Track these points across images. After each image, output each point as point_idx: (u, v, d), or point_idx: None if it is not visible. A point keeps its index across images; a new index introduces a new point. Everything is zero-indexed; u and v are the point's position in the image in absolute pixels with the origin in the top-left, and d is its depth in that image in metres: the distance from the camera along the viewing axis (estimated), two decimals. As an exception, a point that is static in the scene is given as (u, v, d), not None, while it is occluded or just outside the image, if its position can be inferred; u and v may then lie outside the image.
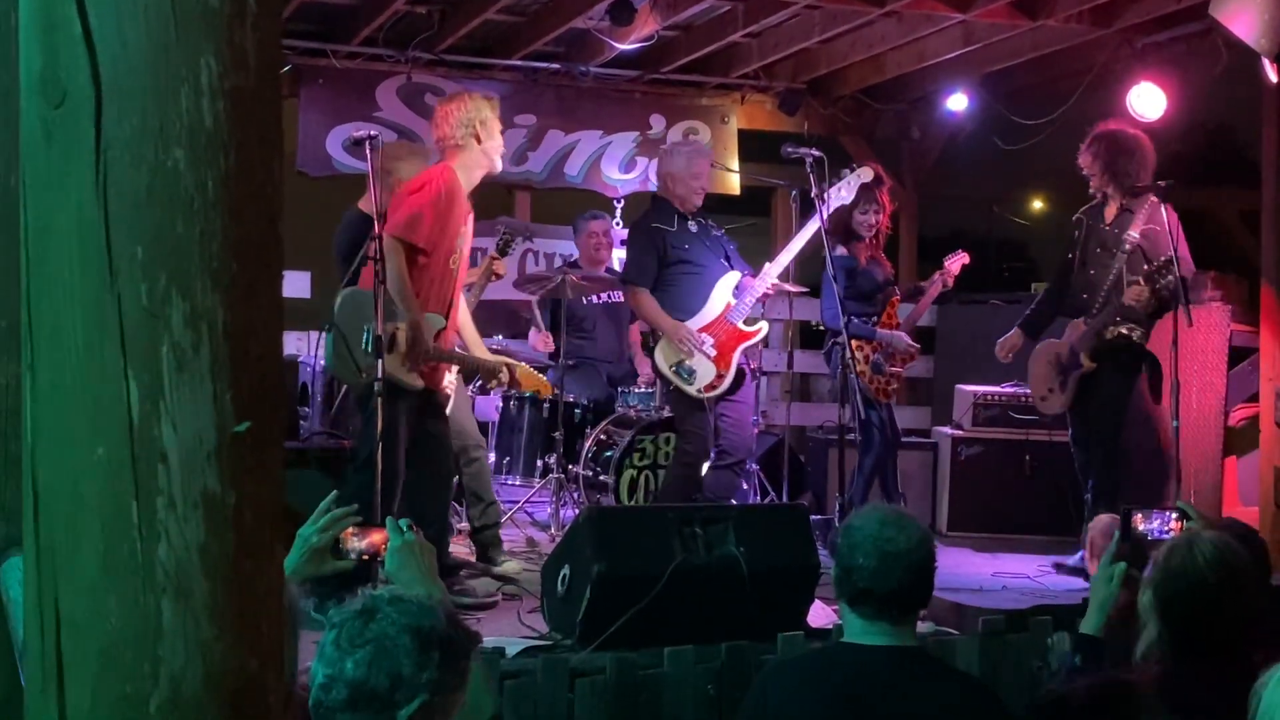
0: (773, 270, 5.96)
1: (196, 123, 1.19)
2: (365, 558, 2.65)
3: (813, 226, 5.83)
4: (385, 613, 1.97)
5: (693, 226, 5.91)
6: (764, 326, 5.94)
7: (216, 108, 1.19)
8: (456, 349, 5.23)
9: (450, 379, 5.27)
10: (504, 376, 5.23)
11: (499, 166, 5.19)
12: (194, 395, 1.18)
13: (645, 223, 6.02)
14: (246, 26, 1.18)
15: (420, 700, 1.93)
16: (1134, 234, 5.79)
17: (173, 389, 1.18)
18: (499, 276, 6.34)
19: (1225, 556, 2.69)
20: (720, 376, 5.80)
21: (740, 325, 5.86)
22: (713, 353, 5.79)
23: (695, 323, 5.81)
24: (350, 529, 2.66)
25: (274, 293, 1.25)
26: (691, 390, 5.81)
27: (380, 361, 4.51)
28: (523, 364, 5.41)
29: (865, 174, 6.09)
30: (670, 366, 5.82)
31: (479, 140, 4.99)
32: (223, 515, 1.18)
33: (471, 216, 5.15)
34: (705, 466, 5.93)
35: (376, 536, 2.66)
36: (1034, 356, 6.02)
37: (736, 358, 5.83)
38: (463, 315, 5.32)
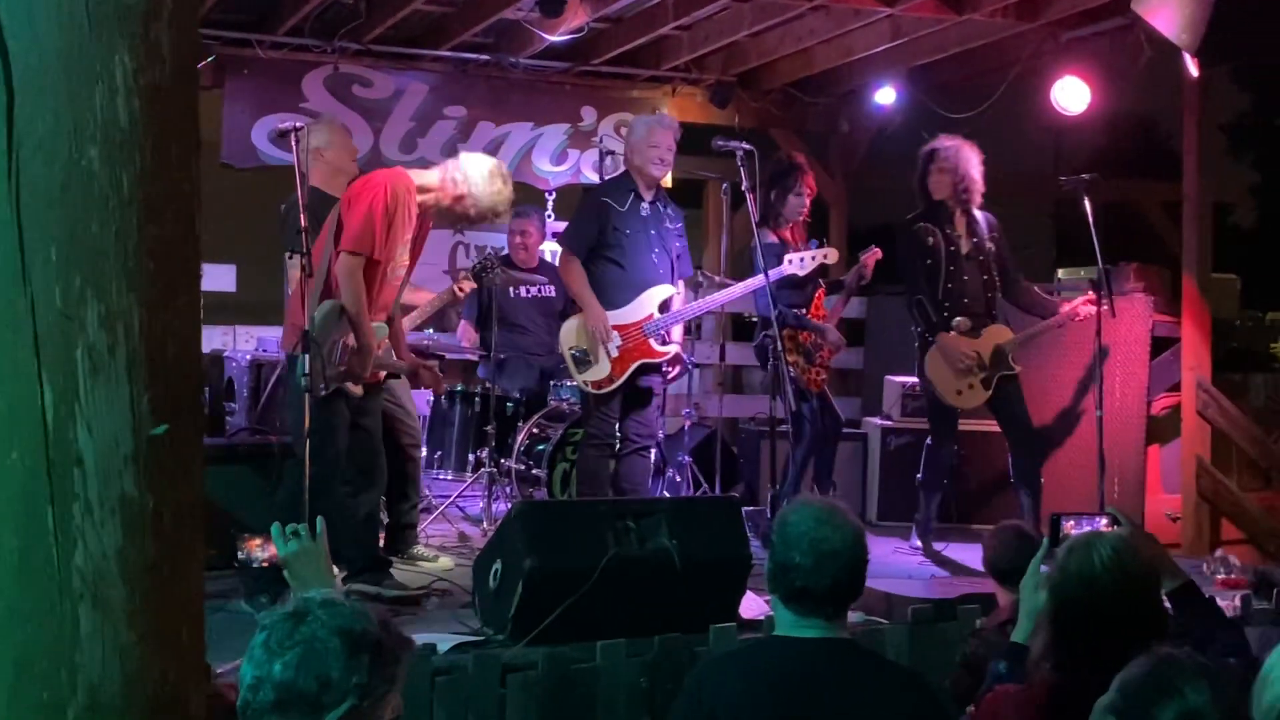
0: (702, 306, 5.93)
1: (111, 121, 1.16)
2: (267, 564, 2.64)
3: (755, 282, 5.80)
4: (316, 615, 1.96)
5: (645, 210, 5.72)
6: (673, 351, 5.79)
7: (132, 105, 1.17)
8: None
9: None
10: (426, 378, 5.26)
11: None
12: (110, 398, 1.16)
13: (597, 194, 5.90)
14: (163, 23, 1.15)
15: (349, 704, 1.92)
16: (989, 241, 6.12)
17: (88, 392, 1.15)
18: (462, 294, 6.35)
19: (1123, 558, 2.70)
20: (610, 379, 5.66)
21: (652, 342, 5.71)
22: (615, 354, 5.65)
23: (613, 318, 5.66)
24: (259, 538, 2.65)
25: (193, 293, 1.22)
26: (578, 378, 5.73)
27: (307, 357, 4.46)
28: (431, 363, 5.36)
29: (831, 255, 6.08)
30: (571, 347, 5.70)
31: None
32: (141, 520, 1.15)
33: (419, 225, 5.05)
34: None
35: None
36: (932, 361, 6.08)
37: (633, 369, 5.67)
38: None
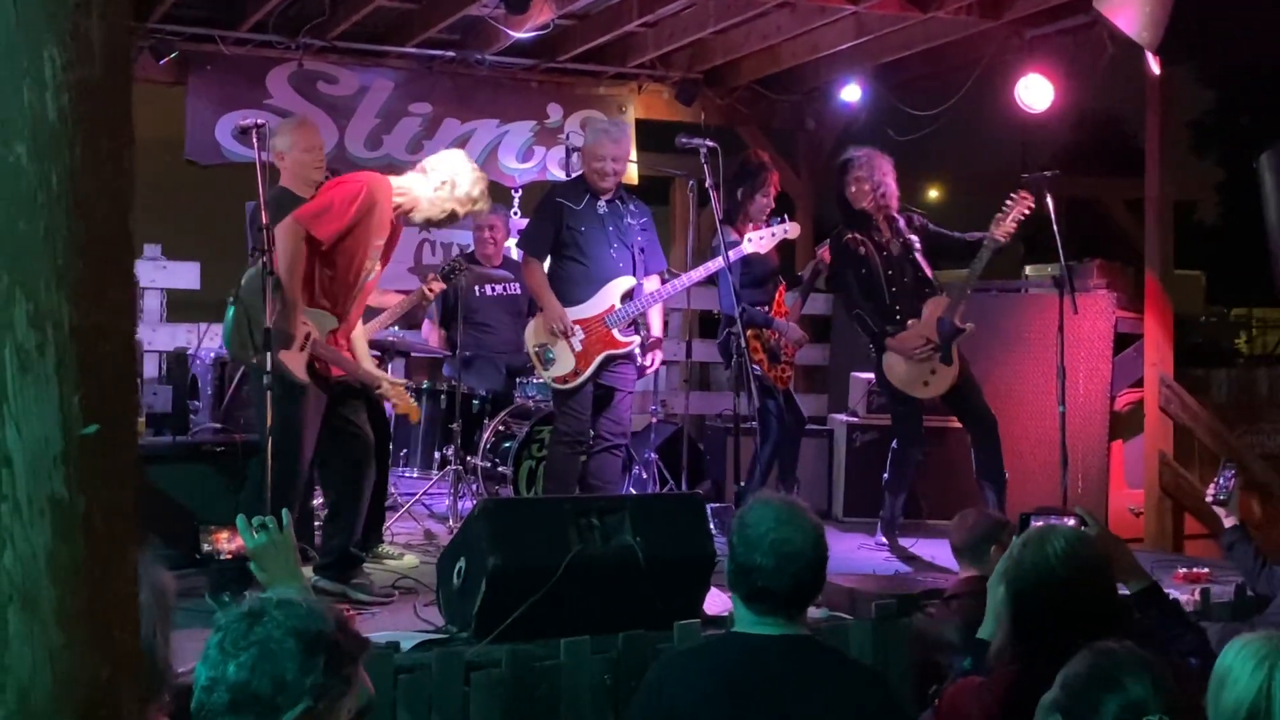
0: (662, 294, 5.89)
1: (40, 116, 1.15)
2: (231, 558, 2.62)
3: (714, 265, 5.83)
4: (271, 616, 1.95)
5: (601, 208, 5.76)
6: (636, 341, 5.80)
7: (61, 101, 1.15)
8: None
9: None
10: (385, 390, 5.15)
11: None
12: (39, 398, 1.14)
13: (552, 195, 5.96)
14: (93, 16, 1.14)
15: (304, 705, 1.91)
16: (915, 241, 6.18)
17: (16, 391, 1.14)
18: (431, 295, 6.33)
19: (1077, 551, 2.74)
20: (575, 373, 5.70)
21: (615, 333, 5.74)
22: (579, 347, 5.70)
23: (574, 313, 5.72)
24: (224, 531, 2.63)
25: (125, 290, 1.21)
26: (545, 376, 5.77)
27: (270, 355, 4.43)
28: (400, 384, 5.31)
29: (793, 230, 6.09)
30: (535, 346, 5.75)
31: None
32: (71, 520, 1.14)
33: (390, 234, 5.02)
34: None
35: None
36: (889, 364, 6.11)
37: (599, 361, 5.71)
38: (356, 331, 5.23)
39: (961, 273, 7.04)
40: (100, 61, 1.16)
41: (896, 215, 6.24)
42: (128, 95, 1.22)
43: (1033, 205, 5.87)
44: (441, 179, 4.95)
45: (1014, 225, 5.93)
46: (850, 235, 6.16)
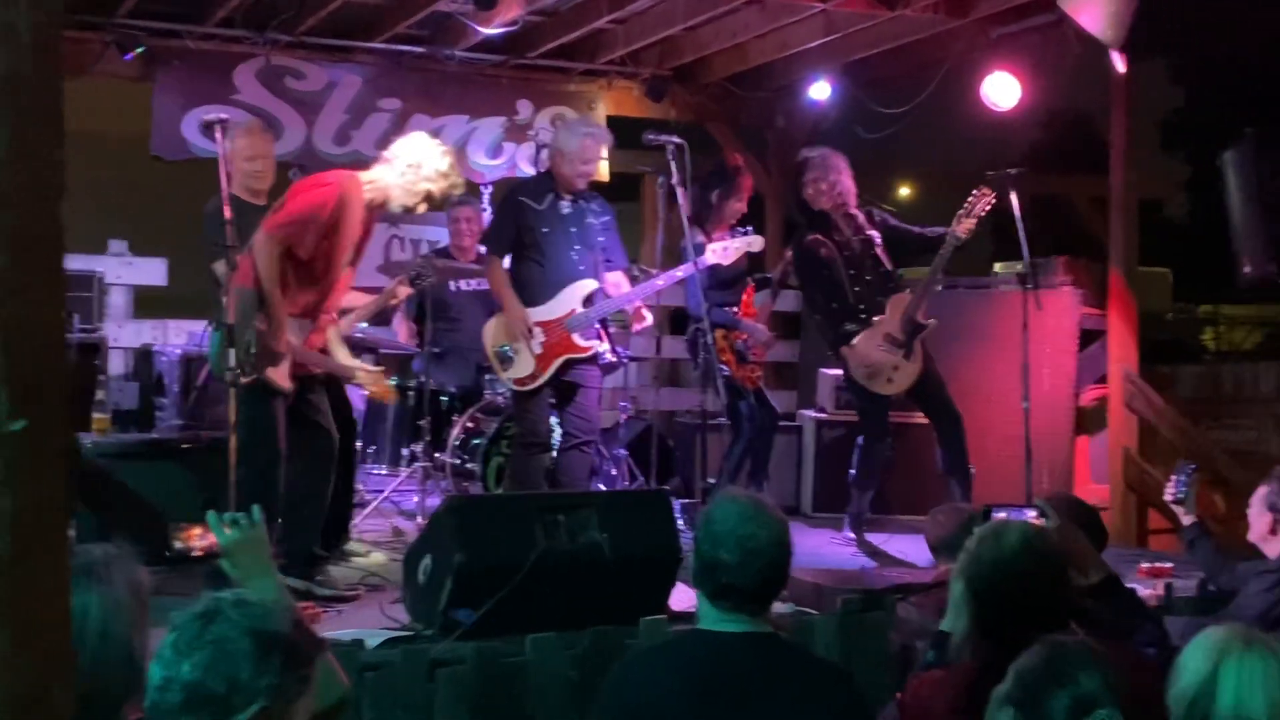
0: (625, 299, 5.83)
1: (-38, 107, 1.14)
2: (202, 554, 2.61)
3: (683, 271, 5.82)
4: (227, 615, 1.95)
5: (565, 208, 5.71)
6: (595, 347, 5.77)
7: (-14, 92, 1.14)
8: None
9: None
10: (361, 379, 5.19)
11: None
12: (-37, 392, 1.13)
13: (514, 195, 5.91)
14: (20, 8, 1.13)
15: (259, 705, 1.91)
16: (875, 236, 6.21)
17: (-59, 388, 1.12)
18: (397, 298, 6.31)
19: (1032, 543, 2.78)
20: (534, 376, 5.66)
21: (576, 337, 5.70)
22: (539, 350, 5.66)
23: (535, 315, 5.68)
24: (196, 528, 2.62)
25: (54, 284, 1.19)
26: (503, 376, 5.75)
27: (231, 352, 4.42)
28: (375, 371, 5.31)
29: (756, 243, 6.08)
30: (494, 346, 5.72)
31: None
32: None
33: (364, 230, 5.02)
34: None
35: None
36: (854, 362, 6.13)
37: (557, 365, 5.68)
38: (332, 332, 5.21)
39: (926, 269, 7.08)
40: (28, 51, 1.14)
41: (855, 212, 6.26)
42: (57, 88, 1.21)
43: (993, 201, 5.89)
44: (407, 162, 4.94)
45: (974, 221, 5.95)
46: (811, 238, 6.18)
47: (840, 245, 6.17)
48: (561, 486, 5.76)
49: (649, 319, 5.93)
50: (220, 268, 5.02)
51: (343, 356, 5.25)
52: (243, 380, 4.62)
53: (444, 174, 4.97)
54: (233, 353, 4.53)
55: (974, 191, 5.94)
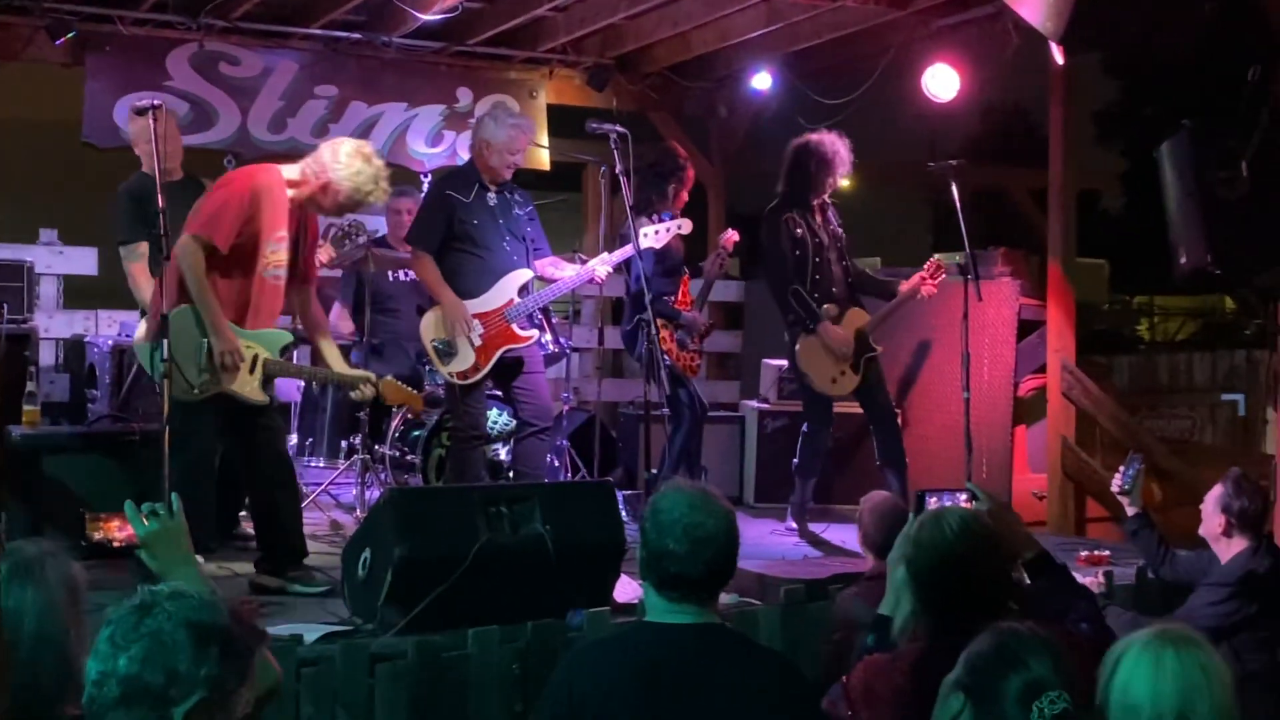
0: (563, 287, 5.83)
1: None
2: (120, 545, 2.57)
3: (625, 251, 5.80)
4: (163, 608, 1.94)
5: (491, 199, 5.69)
6: (535, 335, 5.76)
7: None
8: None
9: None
10: (367, 390, 4.98)
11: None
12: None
13: (440, 188, 5.87)
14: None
15: (197, 697, 1.90)
16: (841, 234, 6.29)
17: None
18: (321, 263, 6.19)
19: (971, 527, 2.84)
20: (475, 369, 5.62)
21: (514, 327, 5.68)
22: (478, 342, 5.62)
23: (472, 307, 5.63)
24: (115, 520, 2.57)
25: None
26: (443, 371, 5.69)
27: (166, 346, 4.34)
28: (388, 377, 5.14)
29: (685, 226, 6.06)
30: (432, 340, 5.66)
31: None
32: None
33: (296, 224, 4.93)
34: (512, 441, 5.89)
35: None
36: (806, 350, 6.16)
37: (498, 355, 5.64)
38: (323, 343, 5.11)
39: (873, 260, 7.15)
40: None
41: (825, 206, 6.30)
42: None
43: (932, 278, 6.20)
44: (318, 172, 4.86)
45: (918, 280, 6.24)
46: (789, 215, 6.16)
47: (813, 231, 6.19)
48: (522, 476, 5.75)
49: (602, 275, 5.88)
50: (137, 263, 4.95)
51: (341, 367, 5.09)
52: (195, 394, 4.63)
53: (358, 190, 4.86)
54: (187, 376, 4.55)
55: (926, 264, 6.26)
